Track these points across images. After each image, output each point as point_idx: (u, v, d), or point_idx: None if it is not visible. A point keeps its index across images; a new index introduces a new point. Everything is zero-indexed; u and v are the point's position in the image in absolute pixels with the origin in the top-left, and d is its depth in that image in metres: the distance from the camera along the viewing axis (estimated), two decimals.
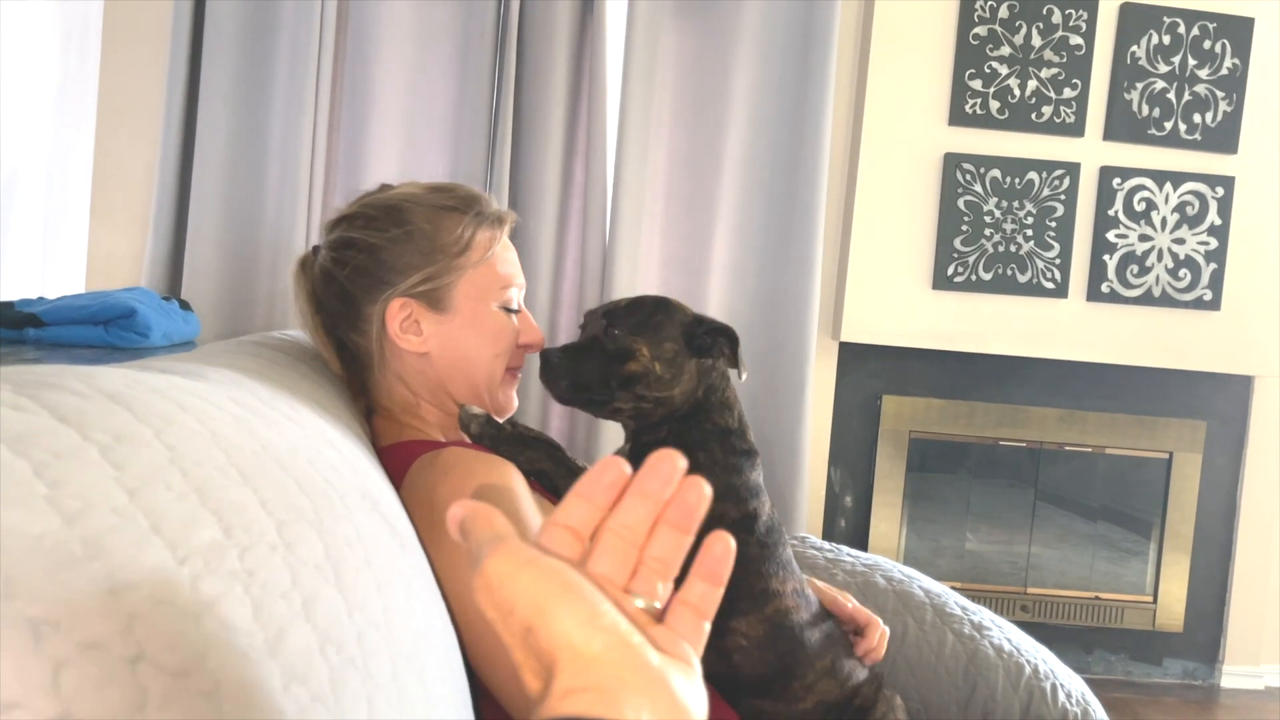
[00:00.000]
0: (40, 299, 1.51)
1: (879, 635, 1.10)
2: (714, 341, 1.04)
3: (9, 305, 1.43)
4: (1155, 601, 2.77)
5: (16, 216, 2.27)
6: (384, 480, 0.87)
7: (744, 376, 1.05)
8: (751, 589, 0.99)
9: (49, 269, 2.36)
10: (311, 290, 1.13)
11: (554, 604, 0.42)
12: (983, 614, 1.35)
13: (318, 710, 0.47)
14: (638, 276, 2.39)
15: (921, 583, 1.37)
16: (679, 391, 1.02)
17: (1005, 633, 1.32)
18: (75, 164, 2.39)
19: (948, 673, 1.26)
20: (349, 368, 1.12)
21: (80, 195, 2.38)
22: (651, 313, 1.04)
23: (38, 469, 0.42)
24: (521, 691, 0.82)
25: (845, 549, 1.44)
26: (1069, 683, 1.28)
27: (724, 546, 0.45)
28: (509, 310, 1.12)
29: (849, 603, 1.12)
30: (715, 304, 2.45)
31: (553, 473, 1.02)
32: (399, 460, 1.00)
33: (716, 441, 1.02)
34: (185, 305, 1.71)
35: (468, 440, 1.07)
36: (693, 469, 1.03)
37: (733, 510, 0.99)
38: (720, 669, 0.99)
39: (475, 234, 1.09)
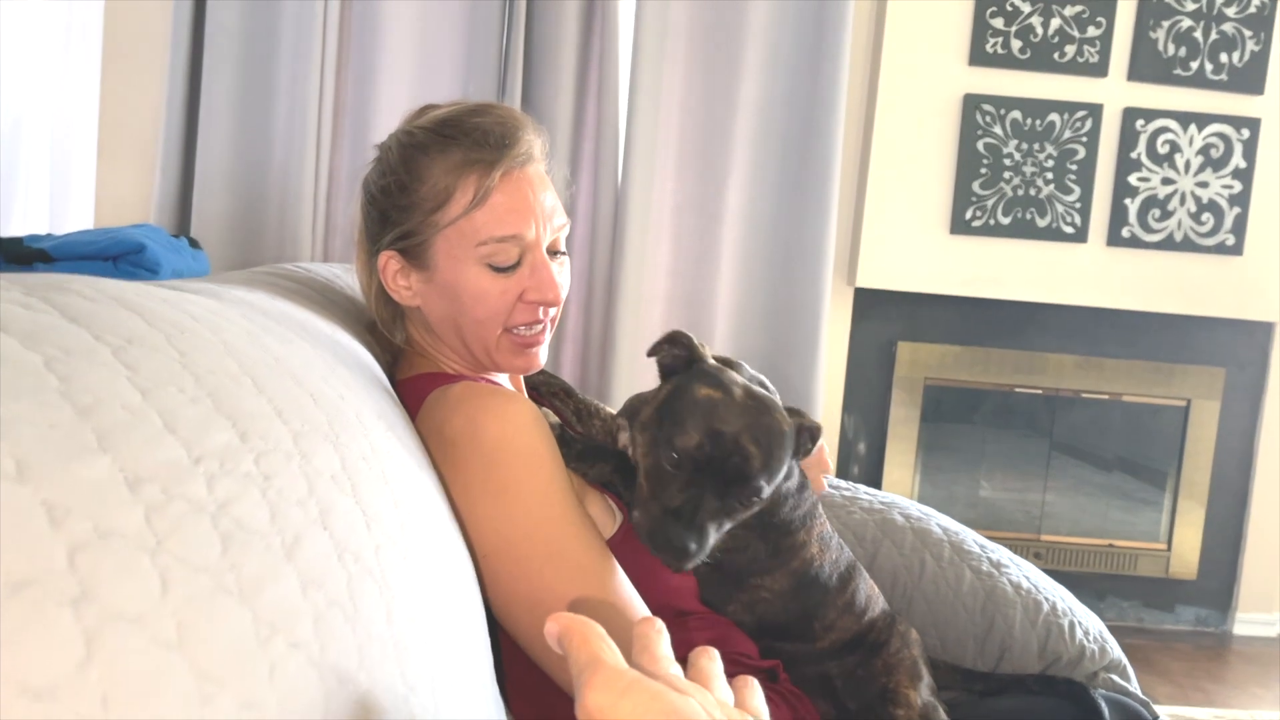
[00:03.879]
0: (49, 235, 1.49)
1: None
2: (801, 445, 0.92)
3: (18, 240, 1.41)
4: (1169, 549, 2.76)
5: (24, 159, 2.24)
6: (398, 406, 0.86)
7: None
8: (778, 547, 0.99)
9: (57, 210, 2.34)
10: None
11: None
12: (1001, 552, 1.34)
13: (335, 615, 0.46)
14: (650, 221, 2.35)
15: (939, 520, 1.36)
16: None
17: (1023, 570, 1.31)
18: (81, 105, 2.36)
19: (965, 609, 1.26)
20: (385, 304, 1.07)
21: (87, 136, 2.36)
22: (783, 450, 0.88)
23: (49, 362, 0.41)
24: (537, 628, 0.81)
25: (862, 487, 1.43)
26: (1086, 620, 1.28)
27: None
28: (500, 269, 0.96)
29: None
30: (729, 248, 2.42)
31: (620, 484, 0.96)
32: (415, 392, 0.98)
33: None
34: (194, 243, 1.69)
35: (492, 379, 1.05)
36: None
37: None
38: (746, 619, 1.00)
39: (459, 180, 0.94)
